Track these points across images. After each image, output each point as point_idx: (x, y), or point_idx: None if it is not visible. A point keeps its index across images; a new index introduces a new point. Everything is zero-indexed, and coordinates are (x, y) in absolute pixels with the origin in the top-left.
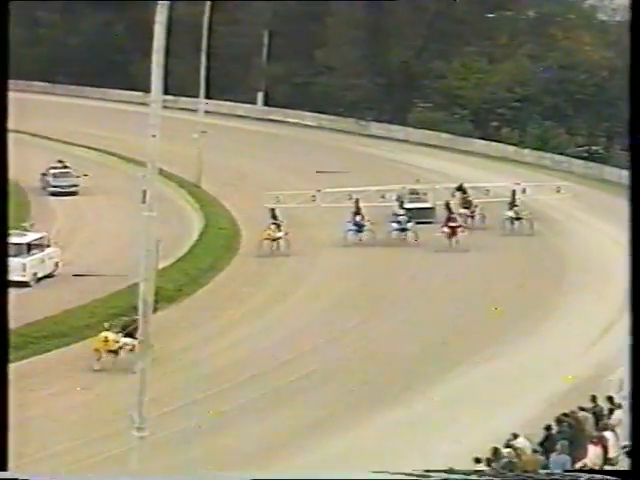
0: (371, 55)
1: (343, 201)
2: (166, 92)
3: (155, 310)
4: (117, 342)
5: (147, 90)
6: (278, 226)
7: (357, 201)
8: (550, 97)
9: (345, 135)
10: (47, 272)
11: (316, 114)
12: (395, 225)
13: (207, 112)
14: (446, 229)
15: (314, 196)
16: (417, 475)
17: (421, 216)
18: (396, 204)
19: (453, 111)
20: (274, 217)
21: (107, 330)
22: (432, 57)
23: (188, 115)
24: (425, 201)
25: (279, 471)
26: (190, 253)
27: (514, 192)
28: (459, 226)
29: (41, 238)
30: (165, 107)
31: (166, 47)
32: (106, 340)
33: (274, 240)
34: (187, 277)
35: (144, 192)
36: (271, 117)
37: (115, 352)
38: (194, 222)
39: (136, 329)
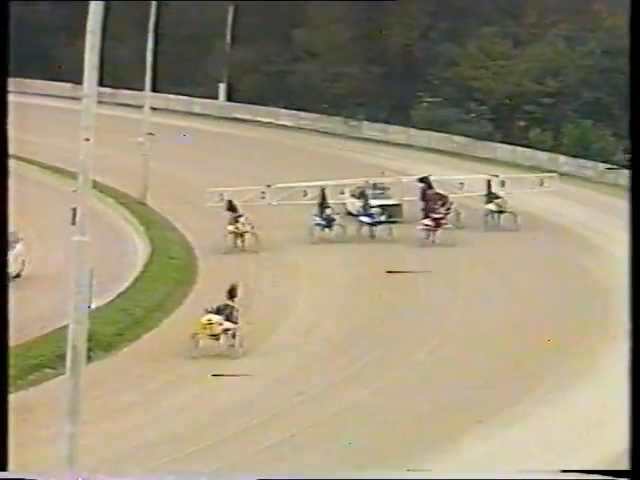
0: (363, 36)
1: (297, 198)
2: (102, 83)
3: (88, 360)
4: (221, 325)
5: (78, 81)
6: (238, 220)
7: (323, 192)
8: (590, 90)
9: (331, 138)
10: (16, 272)
11: (293, 111)
12: (367, 219)
13: (155, 109)
14: (428, 222)
15: (264, 192)
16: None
17: (387, 214)
18: (352, 200)
19: (468, 108)
20: (233, 209)
21: (208, 312)
22: (441, 39)
23: (131, 113)
24: (390, 197)
25: (281, 472)
26: (133, 288)
27: (489, 183)
28: (442, 218)
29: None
30: (101, 102)
31: (103, 26)
32: (210, 323)
33: (240, 235)
34: (129, 318)
35: (74, 211)
36: (236, 115)
37: (217, 337)
38: (138, 249)
39: (232, 313)
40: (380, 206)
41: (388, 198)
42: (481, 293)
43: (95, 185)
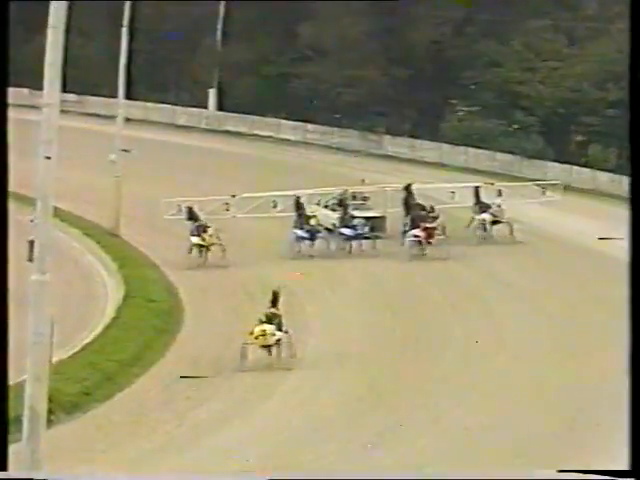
0: (384, 32)
1: (266, 209)
2: (66, 89)
3: (49, 424)
4: (274, 335)
5: (36, 86)
6: (204, 230)
7: (298, 202)
8: None
9: (345, 156)
10: None
11: (298, 123)
12: (348, 232)
13: (130, 120)
14: (419, 232)
15: (227, 204)
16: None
17: (369, 227)
18: (327, 212)
19: (513, 118)
20: (194, 218)
21: (262, 322)
22: (479, 34)
23: (102, 124)
24: (370, 208)
25: (283, 472)
26: (103, 338)
27: (477, 190)
28: (435, 228)
29: None
30: (65, 112)
31: (68, 19)
32: (264, 333)
33: (206, 248)
34: (98, 374)
35: (31, 244)
36: (229, 128)
37: (269, 348)
38: (110, 290)
39: (280, 322)
40: (364, 218)
41: (369, 209)
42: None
43: (57, 213)
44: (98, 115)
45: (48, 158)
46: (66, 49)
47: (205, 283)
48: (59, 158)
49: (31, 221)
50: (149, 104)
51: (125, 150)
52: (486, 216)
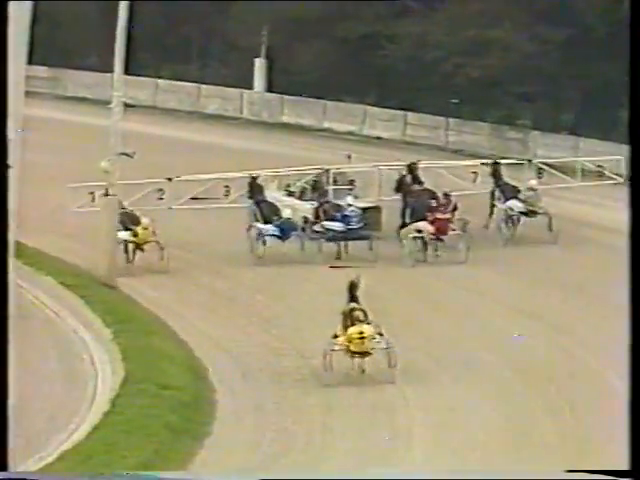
0: None
1: (215, 197)
2: (33, 59)
3: None
4: (374, 338)
5: None
6: (135, 221)
7: (254, 184)
8: None
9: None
10: None
11: (394, 111)
12: (338, 227)
13: (132, 107)
14: (426, 225)
15: (161, 190)
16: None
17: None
18: (294, 201)
19: None
20: (131, 222)
21: (359, 320)
22: None
23: (88, 113)
24: (356, 196)
25: (283, 472)
26: (90, 444)
27: (497, 168)
28: (448, 220)
29: None
30: (33, 94)
31: None
32: (362, 336)
33: (139, 247)
34: None
35: None
36: (285, 119)
37: (365, 355)
38: (101, 371)
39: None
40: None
41: (356, 198)
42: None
43: (21, 252)
44: (83, 99)
45: (7, 167)
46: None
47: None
48: (25, 166)
49: None
50: (161, 82)
51: (125, 154)
52: (514, 204)
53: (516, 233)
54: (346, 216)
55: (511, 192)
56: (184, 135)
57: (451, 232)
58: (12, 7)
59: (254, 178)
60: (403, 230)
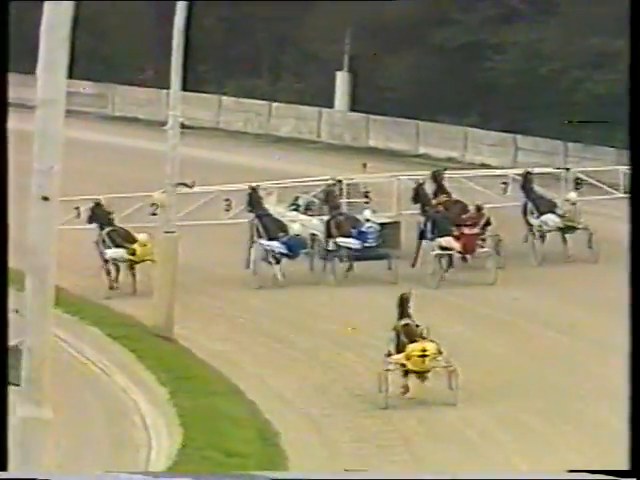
0: None
1: (214, 212)
2: (73, 74)
3: None
4: (435, 358)
5: (24, 68)
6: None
7: (254, 195)
8: None
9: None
10: None
11: (502, 134)
12: (354, 244)
13: (191, 128)
14: (451, 242)
15: (155, 205)
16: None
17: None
18: (299, 217)
19: None
20: (104, 219)
21: (422, 337)
22: None
23: (140, 136)
24: (372, 210)
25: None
26: None
27: (527, 177)
28: (478, 235)
29: None
30: (75, 114)
31: None
32: (425, 354)
33: (131, 266)
34: None
35: (14, 353)
36: (373, 143)
37: (425, 375)
38: (155, 436)
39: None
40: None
41: (373, 212)
42: None
43: (61, 299)
44: (133, 119)
45: (45, 199)
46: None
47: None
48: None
49: (15, 312)
50: (225, 99)
51: (183, 184)
52: (550, 219)
53: (552, 251)
54: (363, 232)
55: (546, 205)
56: (252, 161)
57: (479, 250)
58: (49, 9)
59: (254, 189)
60: (424, 246)
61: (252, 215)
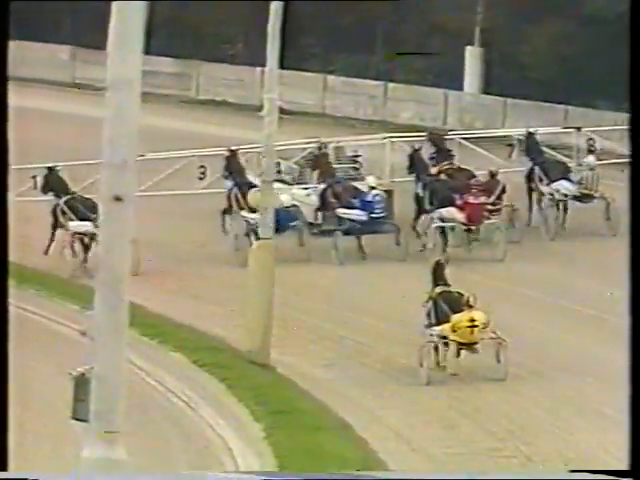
0: None
1: (187, 181)
2: (151, 49)
3: None
4: (485, 327)
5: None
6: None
7: (232, 160)
8: None
9: None
10: None
11: None
12: (359, 216)
13: (293, 114)
14: (457, 213)
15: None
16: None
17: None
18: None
19: None
20: (59, 187)
21: (469, 305)
22: None
23: (233, 125)
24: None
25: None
26: None
27: (531, 137)
28: (485, 204)
29: None
30: (151, 96)
31: None
32: (474, 324)
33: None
34: None
35: (80, 382)
36: (513, 131)
37: (471, 347)
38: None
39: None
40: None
41: (362, 180)
42: None
43: (137, 318)
44: (221, 103)
45: (118, 199)
46: None
47: None
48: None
49: (82, 334)
50: (332, 78)
51: (282, 181)
52: (563, 186)
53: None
54: (368, 202)
55: (558, 170)
56: (364, 153)
57: (487, 221)
58: None
59: (233, 152)
60: (422, 218)
61: (230, 183)
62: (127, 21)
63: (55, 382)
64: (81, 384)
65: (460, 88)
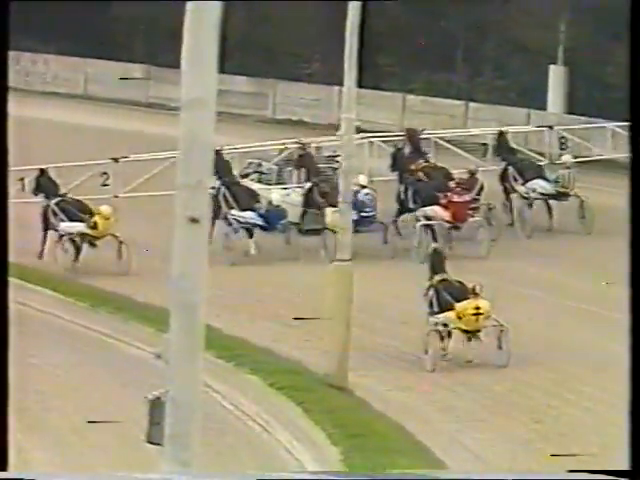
0: None
1: (169, 182)
2: (224, 68)
3: None
4: (489, 315)
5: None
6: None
7: (220, 160)
8: None
9: None
10: None
11: None
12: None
13: (370, 134)
14: (441, 211)
15: (105, 174)
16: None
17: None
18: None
19: None
20: (50, 189)
21: (475, 293)
22: None
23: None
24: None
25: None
26: None
27: (502, 137)
28: (470, 203)
29: None
30: (229, 115)
31: None
32: (478, 312)
33: (90, 241)
34: None
35: (153, 408)
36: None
37: (477, 334)
38: None
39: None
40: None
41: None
42: None
43: (215, 342)
44: (298, 122)
45: (194, 221)
46: None
47: None
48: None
49: (157, 357)
50: (411, 98)
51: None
52: (539, 185)
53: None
54: (359, 201)
55: (533, 170)
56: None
57: (470, 219)
58: None
59: (218, 152)
60: (404, 217)
61: (217, 182)
62: (201, 39)
63: (130, 405)
64: (156, 407)
65: (543, 108)
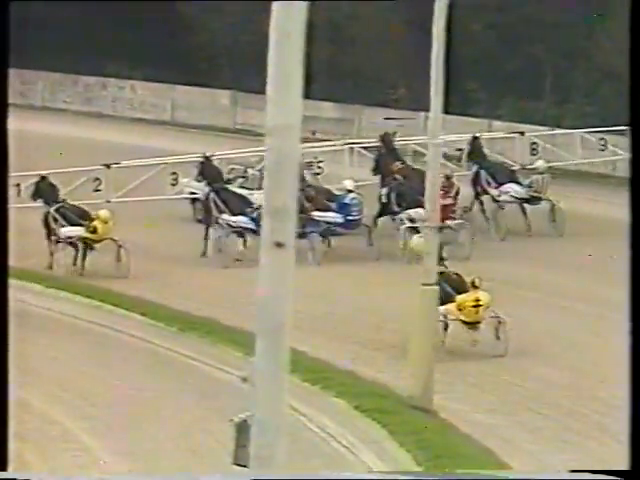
0: None
1: (162, 187)
2: (309, 93)
3: None
4: (488, 307)
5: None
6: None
7: (206, 165)
8: None
9: None
10: None
11: None
12: (335, 219)
13: (457, 161)
14: (424, 212)
15: (98, 179)
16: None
17: None
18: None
19: None
20: (49, 194)
21: (475, 286)
22: None
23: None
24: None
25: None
26: None
27: (475, 142)
28: (452, 206)
29: None
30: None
31: None
32: (478, 304)
33: (89, 245)
34: None
35: (239, 429)
36: None
37: (477, 326)
38: None
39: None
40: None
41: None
42: None
43: (299, 365)
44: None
45: (279, 245)
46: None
47: None
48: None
49: (243, 381)
50: (498, 124)
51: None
52: (512, 189)
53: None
54: (345, 205)
55: (505, 174)
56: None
57: (453, 222)
58: (278, 11)
59: (208, 158)
60: (384, 219)
61: (206, 189)
62: (286, 65)
63: (216, 429)
64: (242, 430)
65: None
